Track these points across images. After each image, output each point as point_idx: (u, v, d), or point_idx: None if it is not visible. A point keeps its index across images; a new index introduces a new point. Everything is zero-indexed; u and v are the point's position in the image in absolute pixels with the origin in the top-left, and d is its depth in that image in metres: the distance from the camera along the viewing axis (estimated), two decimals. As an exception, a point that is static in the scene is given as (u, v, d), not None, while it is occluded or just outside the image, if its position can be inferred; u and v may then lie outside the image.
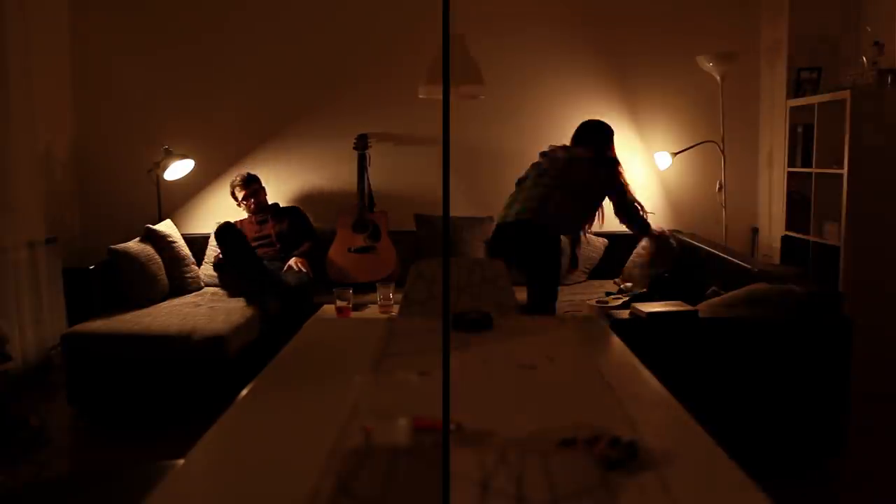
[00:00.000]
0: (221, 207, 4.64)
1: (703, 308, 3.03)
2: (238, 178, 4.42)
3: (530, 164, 3.80)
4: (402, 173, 4.70)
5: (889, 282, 3.71)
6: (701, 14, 4.67)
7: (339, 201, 4.58)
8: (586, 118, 3.84)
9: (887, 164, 3.71)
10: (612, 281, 4.31)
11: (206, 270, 4.42)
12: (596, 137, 3.78)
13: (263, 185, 4.48)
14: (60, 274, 4.15)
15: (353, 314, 3.52)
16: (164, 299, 4.08)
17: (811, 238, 4.08)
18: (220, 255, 4.16)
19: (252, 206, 4.41)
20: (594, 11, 4.68)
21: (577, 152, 3.70)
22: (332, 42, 4.67)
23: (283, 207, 4.55)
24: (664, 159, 4.61)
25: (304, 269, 4.11)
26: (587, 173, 3.63)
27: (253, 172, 4.48)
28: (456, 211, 4.52)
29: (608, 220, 3.83)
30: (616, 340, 2.12)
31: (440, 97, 2.95)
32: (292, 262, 4.14)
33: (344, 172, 4.64)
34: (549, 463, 1.25)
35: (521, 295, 3.31)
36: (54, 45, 4.55)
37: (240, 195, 4.41)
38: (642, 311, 2.74)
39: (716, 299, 3.06)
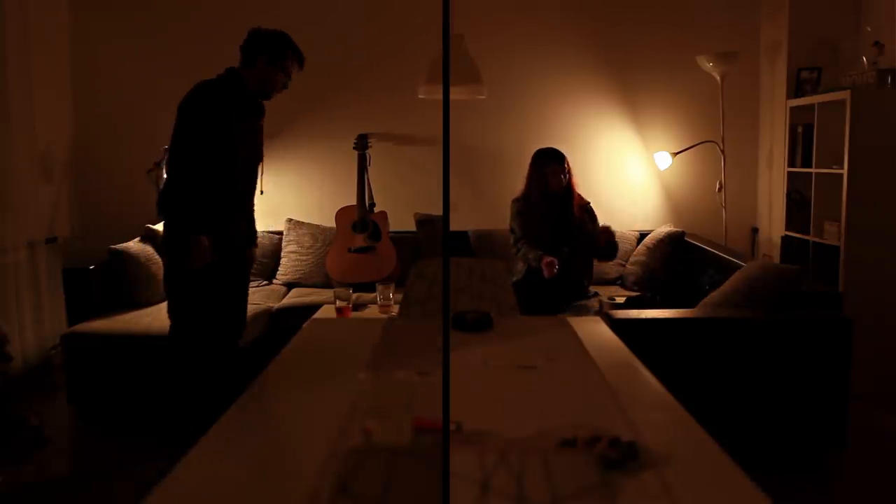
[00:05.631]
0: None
1: (702, 306, 3.03)
2: None
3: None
4: (402, 173, 4.70)
5: (889, 282, 3.71)
6: (701, 14, 4.67)
7: (338, 201, 4.58)
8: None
9: (887, 164, 3.71)
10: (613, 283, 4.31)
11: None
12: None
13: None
14: (60, 274, 4.15)
15: (353, 314, 3.52)
16: (163, 299, 4.07)
17: (811, 238, 4.07)
18: None
19: None
20: (594, 11, 4.68)
21: None
22: (331, 42, 4.66)
23: None
24: (664, 159, 4.61)
25: None
26: None
27: None
28: (456, 211, 4.52)
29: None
30: (616, 340, 2.12)
31: (440, 97, 2.95)
32: None
33: (344, 172, 4.64)
34: (549, 463, 1.25)
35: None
36: (54, 45, 4.54)
37: None
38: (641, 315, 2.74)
39: (714, 294, 3.06)
